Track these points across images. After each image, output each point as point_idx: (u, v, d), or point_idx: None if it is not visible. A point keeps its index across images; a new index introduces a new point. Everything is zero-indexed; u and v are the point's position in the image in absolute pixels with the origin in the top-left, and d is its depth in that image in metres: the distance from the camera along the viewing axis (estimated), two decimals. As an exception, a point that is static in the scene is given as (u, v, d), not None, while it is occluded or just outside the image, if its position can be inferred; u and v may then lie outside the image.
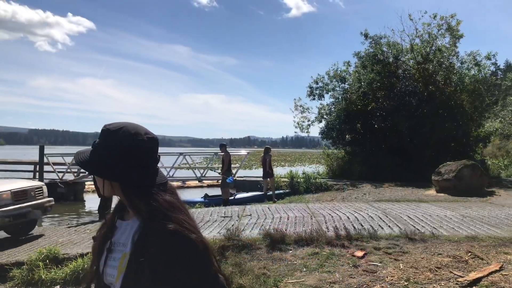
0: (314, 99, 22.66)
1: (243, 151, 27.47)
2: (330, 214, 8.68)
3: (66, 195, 17.68)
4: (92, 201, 17.26)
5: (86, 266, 5.84)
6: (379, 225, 7.43)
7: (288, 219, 8.27)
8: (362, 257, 5.59)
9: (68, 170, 18.41)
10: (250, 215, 8.89)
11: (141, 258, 1.24)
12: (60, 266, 6.03)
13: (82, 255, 6.22)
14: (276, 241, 6.24)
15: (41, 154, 18.12)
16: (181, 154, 18.32)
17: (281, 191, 16.15)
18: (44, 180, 17.69)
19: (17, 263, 6.27)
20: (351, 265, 5.28)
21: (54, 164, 18.36)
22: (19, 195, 8.58)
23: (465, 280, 4.66)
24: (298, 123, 22.98)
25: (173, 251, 1.23)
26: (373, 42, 20.77)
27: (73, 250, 6.70)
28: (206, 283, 1.26)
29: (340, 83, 22.29)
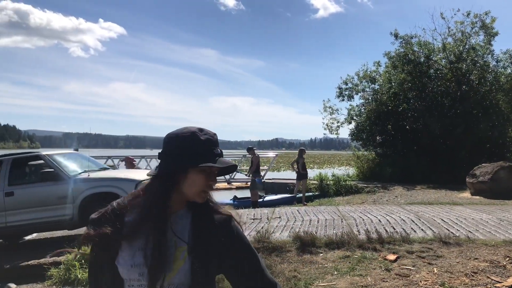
0: (343, 100, 22.48)
1: (271, 154, 27.47)
2: (361, 217, 8.57)
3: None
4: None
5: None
6: (412, 228, 7.28)
7: (318, 221, 8.22)
8: (395, 260, 5.49)
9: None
10: (279, 218, 8.88)
11: (208, 248, 1.36)
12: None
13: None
14: (306, 244, 6.21)
15: (76, 156, 18.60)
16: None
17: (311, 194, 16.06)
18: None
19: (54, 263, 6.47)
20: (383, 269, 5.20)
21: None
22: None
23: (503, 285, 4.51)
24: (327, 125, 22.84)
25: (238, 235, 1.45)
26: (403, 42, 20.40)
27: (107, 251, 6.85)
28: (258, 258, 1.49)
29: (370, 84, 22.02)
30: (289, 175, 26.48)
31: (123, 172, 8.92)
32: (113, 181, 7.89)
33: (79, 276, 5.96)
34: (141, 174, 8.46)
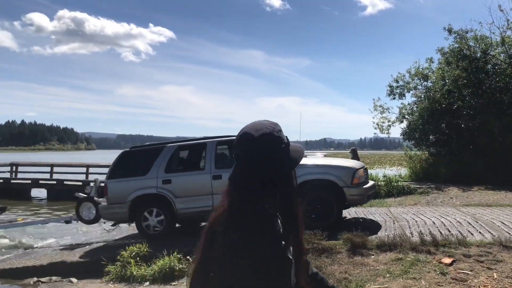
0: (394, 98, 21.81)
1: (319, 154, 27.19)
2: (414, 219, 8.31)
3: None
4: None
5: (172, 264, 6.15)
6: (469, 231, 6.97)
7: (369, 223, 8.06)
8: (450, 264, 5.29)
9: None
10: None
11: None
12: (149, 264, 6.41)
13: (168, 254, 6.54)
14: (357, 246, 6.12)
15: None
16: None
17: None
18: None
19: (111, 259, 6.76)
20: (438, 273, 5.02)
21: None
22: (365, 174, 8.23)
23: None
24: (377, 124, 22.25)
25: None
26: (458, 36, 19.53)
27: (161, 249, 7.07)
28: None
29: (422, 81, 21.26)
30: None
31: (337, 160, 8.80)
32: (329, 168, 7.74)
33: (134, 272, 6.20)
34: (356, 163, 8.31)
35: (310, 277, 1.48)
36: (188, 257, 6.44)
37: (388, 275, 5.07)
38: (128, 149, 9.00)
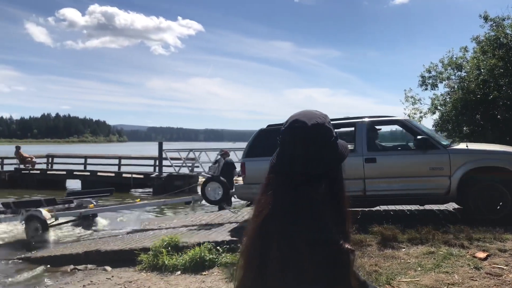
0: (426, 89, 21.26)
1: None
2: (446, 212, 8.14)
3: (182, 188, 18.98)
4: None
5: (202, 254, 6.26)
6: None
7: (400, 216, 7.95)
8: (485, 258, 5.17)
9: (184, 165, 19.78)
10: (360, 211, 8.72)
11: None
12: (180, 253, 6.54)
13: (199, 244, 6.66)
14: (387, 239, 6.06)
15: (160, 149, 19.63)
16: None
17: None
18: (163, 173, 19.21)
19: (144, 249, 6.93)
20: (471, 267, 4.92)
21: (172, 159, 19.84)
22: None
23: None
24: (409, 115, 21.75)
25: None
26: (494, 24, 18.83)
27: (191, 239, 7.20)
28: None
29: (456, 71, 20.65)
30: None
31: (497, 146, 8.41)
32: (498, 154, 7.23)
33: (166, 262, 6.33)
34: None
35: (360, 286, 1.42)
36: (218, 247, 6.54)
37: (419, 268, 5.00)
38: (265, 127, 8.45)
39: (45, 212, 9.60)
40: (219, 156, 13.08)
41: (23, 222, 9.59)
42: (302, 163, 1.17)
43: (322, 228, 1.10)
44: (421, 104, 21.60)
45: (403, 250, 5.73)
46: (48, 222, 9.56)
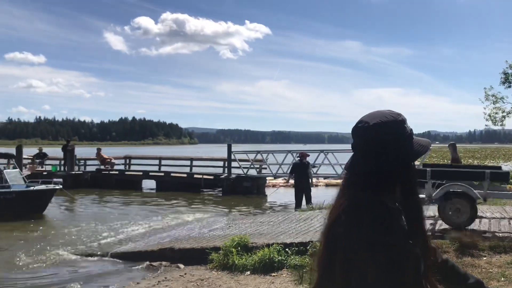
0: (510, 86, 19.88)
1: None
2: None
3: (250, 189, 19.22)
4: (273, 196, 18.43)
5: (271, 255, 6.29)
6: None
7: (480, 222, 7.47)
8: None
9: (252, 166, 20.06)
10: (433, 216, 8.31)
11: None
12: (249, 254, 6.63)
13: (268, 245, 6.70)
14: (466, 246, 5.72)
15: (229, 151, 20.03)
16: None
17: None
18: (232, 174, 19.59)
19: (214, 248, 7.11)
20: None
21: (240, 160, 20.18)
22: None
23: None
24: (489, 115, 20.51)
25: None
26: None
27: (260, 240, 7.27)
28: None
29: (543, 67, 19.07)
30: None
31: None
32: None
33: (236, 261, 6.45)
34: None
35: (440, 264, 1.37)
36: (287, 249, 6.55)
37: (502, 279, 4.67)
38: None
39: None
40: (298, 158, 13.51)
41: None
42: (363, 163, 1.17)
43: (384, 230, 1.08)
44: (503, 102, 20.30)
45: (484, 258, 5.38)
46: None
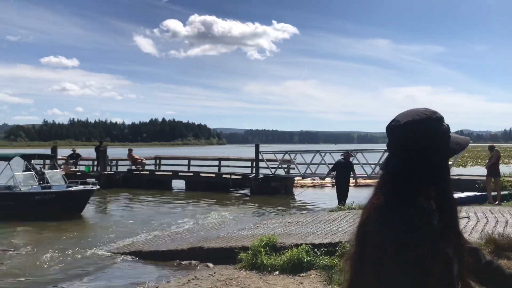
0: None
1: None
2: None
3: (278, 189, 19.20)
4: (301, 196, 18.37)
5: (300, 256, 6.27)
6: None
7: (516, 223, 7.22)
8: None
9: (279, 166, 20.03)
10: (468, 217, 8.11)
11: None
12: (278, 254, 6.63)
13: (296, 245, 6.68)
14: (502, 248, 5.55)
15: (257, 151, 20.06)
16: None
17: (506, 192, 14.15)
18: (260, 174, 19.62)
19: (243, 248, 7.14)
20: None
21: (267, 160, 20.18)
22: None
23: None
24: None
25: None
26: None
27: (289, 240, 7.25)
28: None
29: None
30: (476, 171, 23.81)
31: None
32: None
33: (264, 261, 6.46)
34: None
35: (485, 265, 1.35)
36: (315, 250, 6.51)
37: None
38: None
39: None
40: (341, 157, 13.90)
41: None
42: (395, 161, 1.17)
43: (411, 230, 1.06)
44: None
45: (521, 261, 5.20)
46: None
